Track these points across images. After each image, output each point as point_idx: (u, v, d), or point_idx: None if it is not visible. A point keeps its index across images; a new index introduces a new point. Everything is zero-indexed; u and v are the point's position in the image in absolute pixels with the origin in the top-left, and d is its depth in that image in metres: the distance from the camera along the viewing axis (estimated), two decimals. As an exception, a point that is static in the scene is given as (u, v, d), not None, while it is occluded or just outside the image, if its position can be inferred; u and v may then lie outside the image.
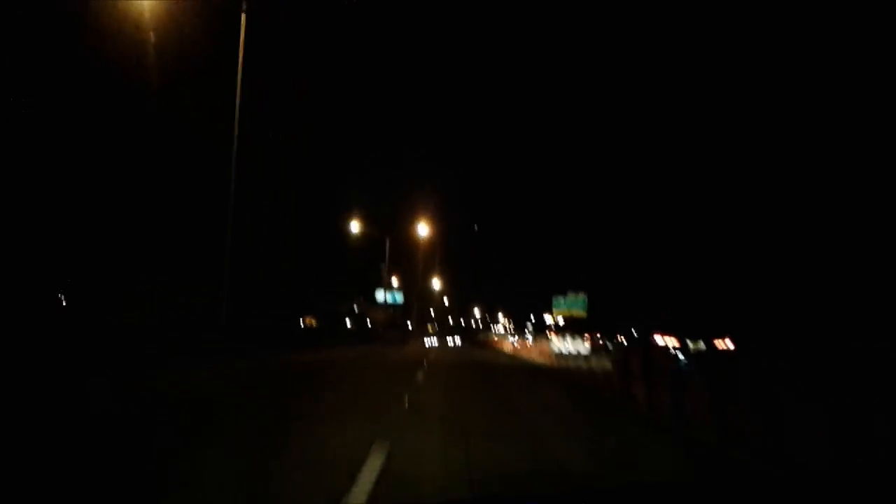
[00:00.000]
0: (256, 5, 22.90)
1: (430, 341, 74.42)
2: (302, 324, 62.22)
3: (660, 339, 15.64)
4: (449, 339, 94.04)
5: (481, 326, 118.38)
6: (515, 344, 36.06)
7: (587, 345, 29.20)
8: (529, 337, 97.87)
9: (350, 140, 56.03)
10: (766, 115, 28.77)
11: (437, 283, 77.27)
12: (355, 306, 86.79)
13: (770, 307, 19.54)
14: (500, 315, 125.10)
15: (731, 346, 14.80)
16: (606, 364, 18.65)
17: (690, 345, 14.62)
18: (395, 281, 67.16)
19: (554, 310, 34.15)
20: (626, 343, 16.79)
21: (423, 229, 49.47)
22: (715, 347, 14.67)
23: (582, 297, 32.88)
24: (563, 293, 33.54)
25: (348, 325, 67.30)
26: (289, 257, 50.57)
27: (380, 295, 78.05)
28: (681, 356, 14.65)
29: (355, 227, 39.77)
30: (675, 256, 30.33)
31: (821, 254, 22.79)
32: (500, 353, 33.06)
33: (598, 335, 29.46)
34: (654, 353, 15.76)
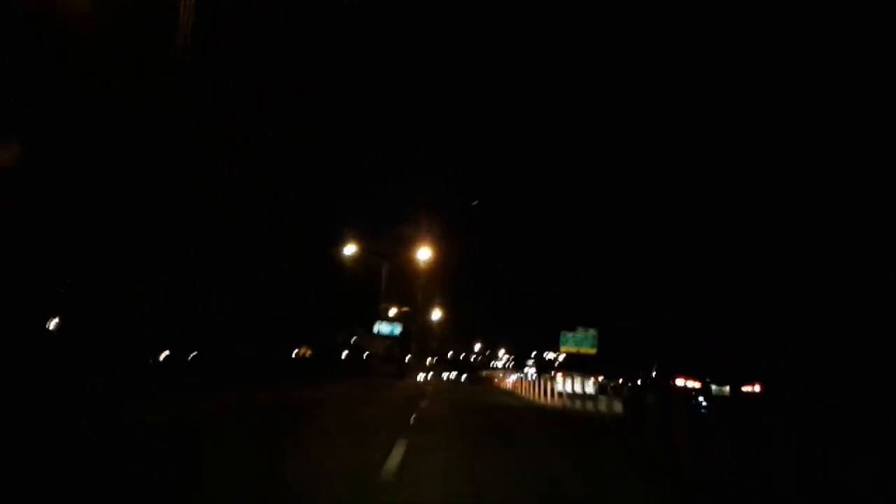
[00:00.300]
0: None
1: (427, 376, 72.09)
2: (295, 353, 60.42)
3: (681, 381, 13.79)
4: (446, 374, 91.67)
5: (481, 360, 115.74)
6: (514, 382, 33.94)
7: (593, 385, 27.43)
8: (530, 372, 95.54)
9: (349, 159, 54.16)
10: (786, 139, 27.19)
11: (437, 314, 74.25)
12: (354, 337, 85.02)
13: (804, 350, 17.76)
14: (502, 351, 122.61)
15: (759, 390, 12.96)
16: (616, 406, 17.36)
17: (714, 388, 13.57)
18: (393, 310, 65.04)
19: (561, 346, 31.80)
20: (640, 383, 14.96)
21: (424, 253, 46.08)
22: (742, 392, 13.68)
23: (592, 332, 30.74)
24: (572, 328, 31.26)
25: (344, 356, 65.22)
26: (285, 282, 48.86)
27: (377, 326, 76.30)
28: (701, 400, 13.04)
29: (350, 249, 37.48)
30: (698, 291, 28.23)
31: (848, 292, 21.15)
32: (505, 392, 30.85)
33: (601, 377, 27.91)
34: (672, 395, 14.04)
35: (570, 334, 31.06)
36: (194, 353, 22.47)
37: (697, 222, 29.62)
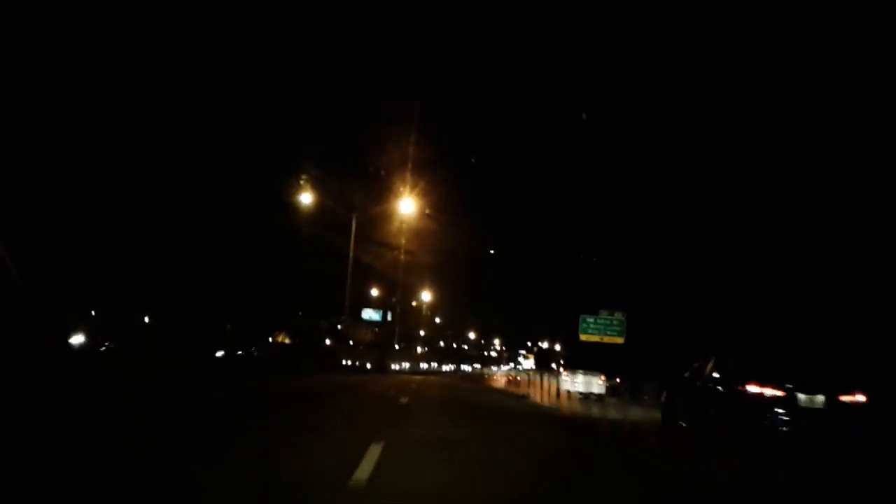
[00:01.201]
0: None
1: (413, 366, 67.56)
2: (271, 340, 56.18)
3: (754, 388, 9.46)
4: (436, 366, 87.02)
5: (476, 350, 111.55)
6: (510, 377, 29.38)
7: (602, 383, 23.29)
8: (525, 364, 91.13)
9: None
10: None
11: (427, 296, 67.60)
12: (339, 325, 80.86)
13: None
14: (497, 342, 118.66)
15: (862, 401, 9.75)
16: (633, 412, 15.01)
17: (802, 398, 9.52)
18: (374, 291, 59.94)
19: (581, 334, 26.62)
20: (688, 386, 10.60)
21: (407, 205, 33.50)
22: (840, 403, 9.60)
23: (619, 317, 25.84)
24: (594, 311, 26.15)
25: (328, 343, 61.03)
26: (261, 266, 44.05)
27: (365, 313, 72.20)
28: (780, 412, 9.39)
29: (307, 198, 29.53)
30: (779, 267, 22.46)
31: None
32: (499, 391, 26.07)
33: (605, 375, 23.77)
34: (737, 404, 9.75)
35: (591, 319, 25.97)
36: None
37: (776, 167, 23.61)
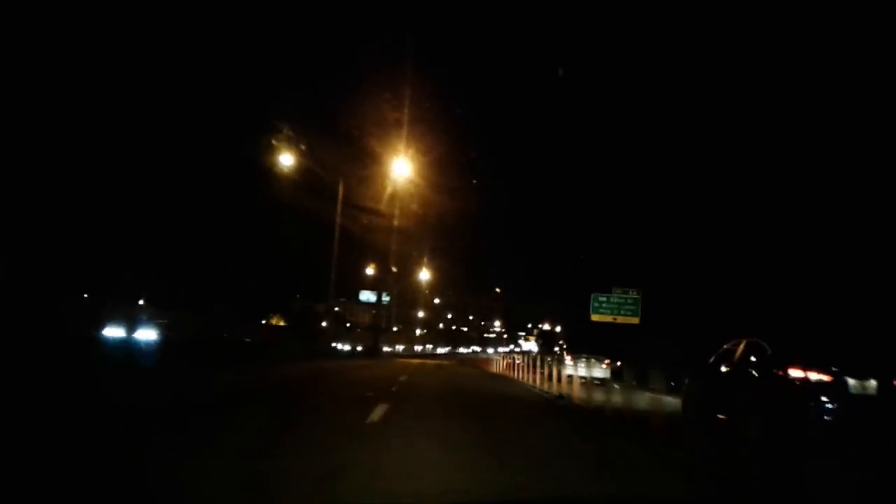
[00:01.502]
0: None
1: (408, 348, 65.81)
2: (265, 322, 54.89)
3: (796, 372, 8.16)
4: (436, 348, 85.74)
5: (476, 333, 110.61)
6: (507, 361, 27.98)
7: (605, 367, 22.39)
8: (525, 346, 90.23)
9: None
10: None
11: (425, 275, 65.24)
12: (337, 307, 79.71)
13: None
14: (497, 323, 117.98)
15: None
16: (642, 400, 14.27)
17: (852, 383, 8.23)
18: (371, 271, 58.29)
19: (592, 314, 25.15)
20: (714, 370, 9.28)
21: (402, 167, 30.57)
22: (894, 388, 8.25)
23: (634, 295, 24.34)
24: (606, 289, 24.60)
25: (324, 326, 59.64)
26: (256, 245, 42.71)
27: (363, 295, 70.97)
28: (826, 401, 8.05)
29: (286, 159, 26.39)
30: (820, 236, 20.38)
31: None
32: (496, 377, 24.59)
33: (610, 359, 22.64)
34: (777, 392, 8.35)
35: (603, 298, 24.48)
36: None
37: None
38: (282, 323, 57.86)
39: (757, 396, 8.58)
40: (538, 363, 19.20)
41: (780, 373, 8.40)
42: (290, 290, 60.55)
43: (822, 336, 9.79)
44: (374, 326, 54.04)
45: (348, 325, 73.15)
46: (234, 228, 35.23)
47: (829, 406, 8.30)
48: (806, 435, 8.15)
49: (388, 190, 31.98)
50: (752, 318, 17.66)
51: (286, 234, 37.92)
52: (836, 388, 8.32)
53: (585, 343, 22.56)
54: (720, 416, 9.17)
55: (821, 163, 21.15)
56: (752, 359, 8.99)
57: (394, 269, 55.37)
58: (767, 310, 19.63)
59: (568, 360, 21.89)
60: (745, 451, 8.28)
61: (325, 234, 36.65)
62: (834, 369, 8.42)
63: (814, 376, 8.34)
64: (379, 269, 53.28)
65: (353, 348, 44.74)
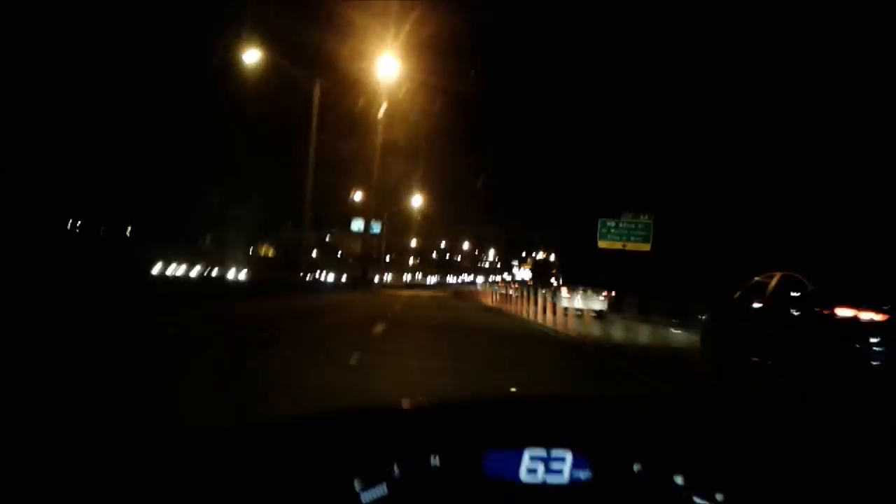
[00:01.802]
0: None
1: (396, 279, 64.17)
2: (253, 253, 53.38)
3: (845, 311, 6.92)
4: (429, 278, 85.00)
5: (469, 263, 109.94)
6: (500, 293, 26.71)
7: (603, 300, 21.59)
8: (519, 275, 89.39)
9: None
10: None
11: (418, 200, 62.38)
12: (328, 236, 78.36)
13: None
14: (491, 252, 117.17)
15: None
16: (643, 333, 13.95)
17: None
18: (359, 195, 55.92)
19: (600, 241, 23.69)
20: (744, 304, 7.90)
21: (389, 66, 26.25)
22: None
23: (645, 220, 22.80)
24: (615, 213, 23.05)
25: (314, 256, 58.50)
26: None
27: (354, 224, 69.08)
28: (875, 342, 6.94)
29: (253, 56, 22.22)
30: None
31: None
32: (490, 309, 23.39)
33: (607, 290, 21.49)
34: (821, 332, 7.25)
35: (612, 223, 22.95)
36: None
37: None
38: (270, 253, 56.62)
39: (800, 337, 7.36)
40: (532, 294, 18.05)
41: (825, 311, 7.16)
42: (282, 217, 58.55)
43: (875, 269, 8.51)
44: (363, 257, 52.29)
45: (339, 254, 72.03)
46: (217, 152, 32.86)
47: (880, 349, 7.18)
48: (856, 381, 7.06)
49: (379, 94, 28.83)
50: (776, 246, 16.15)
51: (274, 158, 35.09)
52: (889, 329, 7.13)
53: (583, 273, 21.26)
54: (753, 359, 7.96)
55: (858, 66, 19.24)
56: (792, 294, 7.72)
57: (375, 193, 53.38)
58: (794, 237, 18.08)
59: (564, 291, 20.83)
60: (785, 397, 7.15)
61: (319, 161, 34.32)
62: (885, 307, 7.21)
63: (865, 316, 7.12)
64: (368, 194, 50.67)
65: (338, 280, 42.88)
